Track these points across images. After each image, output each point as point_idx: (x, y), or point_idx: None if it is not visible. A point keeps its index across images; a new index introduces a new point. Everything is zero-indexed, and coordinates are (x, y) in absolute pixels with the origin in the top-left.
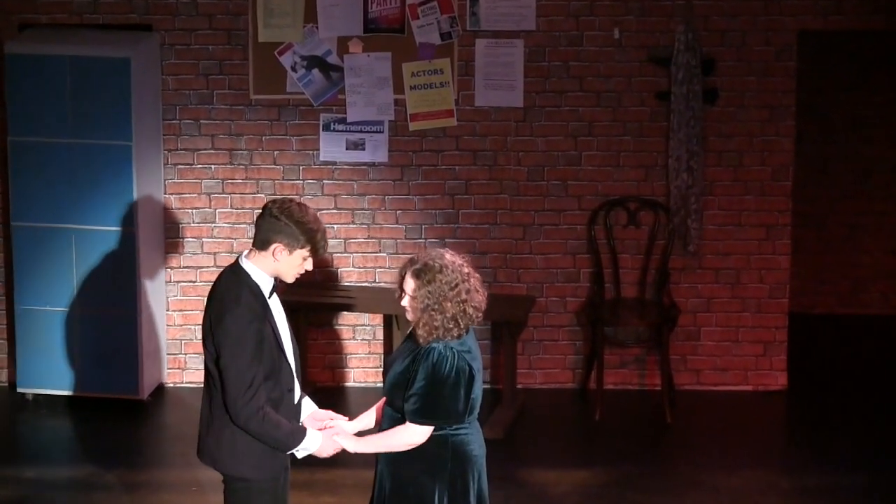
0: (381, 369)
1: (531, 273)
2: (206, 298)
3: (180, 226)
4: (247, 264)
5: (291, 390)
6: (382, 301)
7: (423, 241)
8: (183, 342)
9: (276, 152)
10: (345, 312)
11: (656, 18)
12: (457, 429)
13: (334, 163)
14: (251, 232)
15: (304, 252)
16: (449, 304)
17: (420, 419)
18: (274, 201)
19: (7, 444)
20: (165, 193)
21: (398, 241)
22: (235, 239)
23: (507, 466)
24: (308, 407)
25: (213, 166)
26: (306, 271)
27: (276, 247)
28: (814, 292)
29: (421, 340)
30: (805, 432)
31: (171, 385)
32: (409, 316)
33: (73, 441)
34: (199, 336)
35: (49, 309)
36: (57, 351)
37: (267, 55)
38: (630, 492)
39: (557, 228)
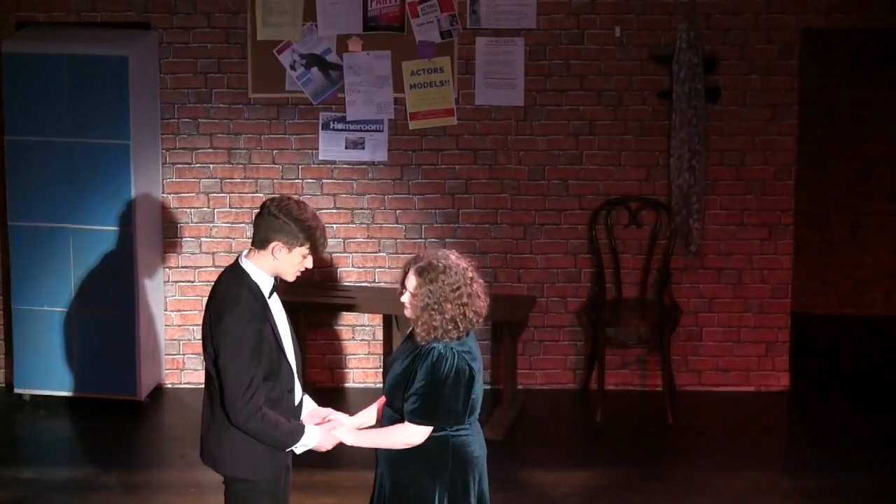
0: (381, 370)
1: (532, 273)
2: (205, 299)
3: (179, 225)
4: (247, 264)
5: (291, 390)
6: (382, 301)
7: (423, 240)
8: (181, 342)
9: (274, 151)
10: (344, 313)
11: (658, 16)
12: (457, 430)
13: (333, 162)
14: (250, 231)
15: (304, 250)
16: (449, 306)
17: (419, 419)
18: (272, 199)
19: (5, 445)
20: (164, 193)
21: (398, 240)
22: (234, 238)
23: (508, 467)
24: (308, 405)
25: (211, 165)
26: (306, 270)
27: (276, 245)
28: (815, 293)
29: (419, 339)
30: (807, 433)
31: (170, 385)
32: (408, 313)
33: (71, 442)
34: (198, 336)
35: (46, 309)
36: (54, 351)
37: (266, 54)
38: (631, 493)
39: (558, 228)
